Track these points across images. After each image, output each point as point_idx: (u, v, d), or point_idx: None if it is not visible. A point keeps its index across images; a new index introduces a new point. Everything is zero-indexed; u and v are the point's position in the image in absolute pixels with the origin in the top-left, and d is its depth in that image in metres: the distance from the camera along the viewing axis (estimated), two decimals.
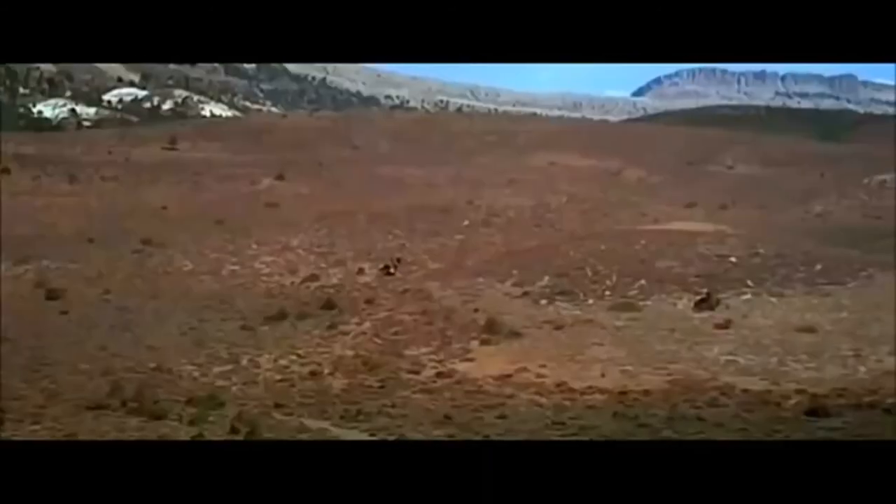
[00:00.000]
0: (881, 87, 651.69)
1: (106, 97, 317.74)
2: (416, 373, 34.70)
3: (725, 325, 40.84)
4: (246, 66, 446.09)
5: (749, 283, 48.53)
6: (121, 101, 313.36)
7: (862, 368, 33.87)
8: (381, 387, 32.95)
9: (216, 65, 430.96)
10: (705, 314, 43.37)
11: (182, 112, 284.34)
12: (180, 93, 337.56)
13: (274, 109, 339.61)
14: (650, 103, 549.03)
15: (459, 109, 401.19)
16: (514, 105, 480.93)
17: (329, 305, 46.09)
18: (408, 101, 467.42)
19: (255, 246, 61.04)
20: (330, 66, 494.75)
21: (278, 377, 34.72)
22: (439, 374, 34.34)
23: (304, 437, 25.42)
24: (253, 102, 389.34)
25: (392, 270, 54.41)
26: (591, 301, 46.42)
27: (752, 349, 36.81)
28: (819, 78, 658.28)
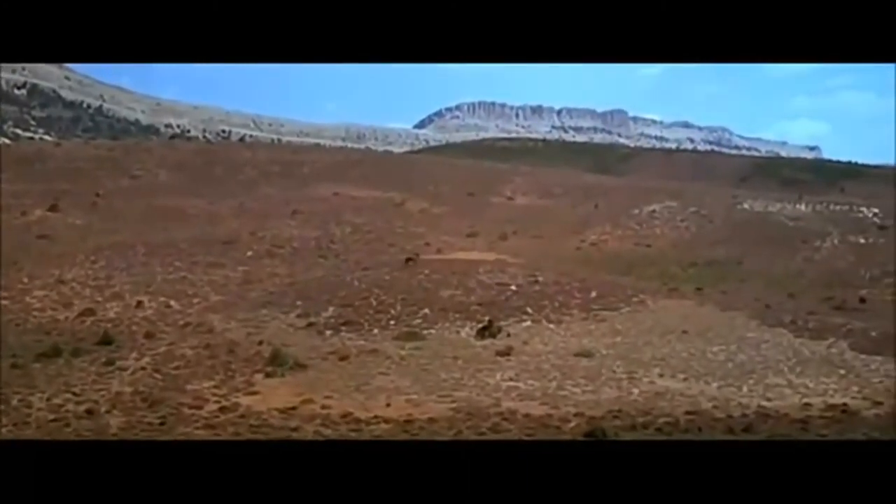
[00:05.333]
0: (650, 123, 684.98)
1: None
2: (199, 408, 33.90)
3: (507, 351, 41.87)
4: (16, 92, 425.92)
5: (529, 310, 50.00)
6: None
7: (635, 390, 35.44)
8: (162, 423, 32.00)
9: None
10: (487, 341, 44.39)
11: None
12: None
13: (47, 137, 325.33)
14: (432, 135, 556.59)
15: (242, 139, 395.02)
16: (297, 135, 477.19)
17: (106, 340, 44.50)
18: (188, 131, 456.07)
19: (26, 279, 58.25)
20: (107, 94, 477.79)
21: (52, 417, 33.12)
22: (222, 409, 33.69)
23: None
24: (24, 130, 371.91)
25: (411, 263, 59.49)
26: (375, 331, 46.73)
27: (532, 374, 37.87)
28: (592, 113, 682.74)
